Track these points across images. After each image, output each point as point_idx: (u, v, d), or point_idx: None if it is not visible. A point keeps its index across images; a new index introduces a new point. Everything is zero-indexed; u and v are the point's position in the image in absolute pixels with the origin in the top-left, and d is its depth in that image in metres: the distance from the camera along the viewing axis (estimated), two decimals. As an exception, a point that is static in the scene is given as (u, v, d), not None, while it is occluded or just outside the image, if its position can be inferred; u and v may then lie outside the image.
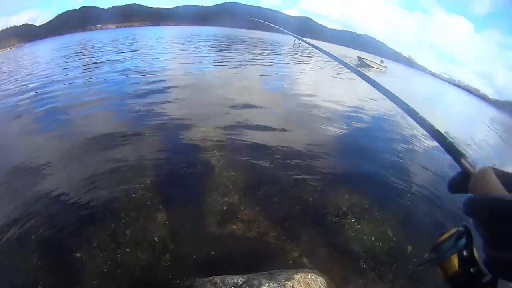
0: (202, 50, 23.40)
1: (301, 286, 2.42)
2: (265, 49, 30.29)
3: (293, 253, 3.36)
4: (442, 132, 0.62)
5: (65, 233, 3.31)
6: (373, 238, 3.84)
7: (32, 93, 9.16)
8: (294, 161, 5.40)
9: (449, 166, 6.48)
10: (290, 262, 3.23)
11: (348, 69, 1.23)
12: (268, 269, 2.80)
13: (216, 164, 4.91)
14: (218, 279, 2.51)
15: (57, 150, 5.16)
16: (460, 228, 0.54)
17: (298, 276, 2.51)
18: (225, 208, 3.90)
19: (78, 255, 3.04)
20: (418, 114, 0.70)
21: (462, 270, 0.51)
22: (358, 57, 32.86)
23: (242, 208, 3.93)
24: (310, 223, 3.88)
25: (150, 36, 40.63)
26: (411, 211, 4.69)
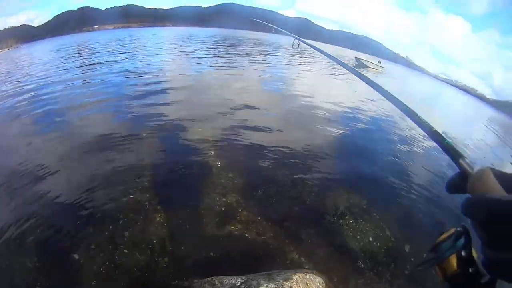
0: (200, 51, 23.40)
1: (300, 286, 2.42)
2: (263, 50, 30.31)
3: (292, 254, 3.36)
4: (440, 132, 0.62)
5: (63, 234, 3.30)
6: (371, 238, 3.84)
7: (30, 94, 9.14)
8: (292, 161, 5.40)
9: (447, 167, 6.50)
10: (288, 262, 3.23)
11: (347, 69, 1.24)
12: (266, 270, 2.80)
13: (214, 165, 4.91)
14: (216, 280, 2.51)
15: (55, 151, 5.14)
16: (458, 229, 0.55)
17: (297, 276, 2.51)
18: (223, 209, 3.90)
19: (76, 256, 3.03)
20: (416, 114, 0.70)
21: (460, 270, 0.52)
22: (355, 57, 32.94)
23: (240, 209, 3.93)
24: (309, 223, 3.88)
25: (148, 37, 40.63)
26: (409, 211, 4.70)
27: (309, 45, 2.10)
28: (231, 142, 5.84)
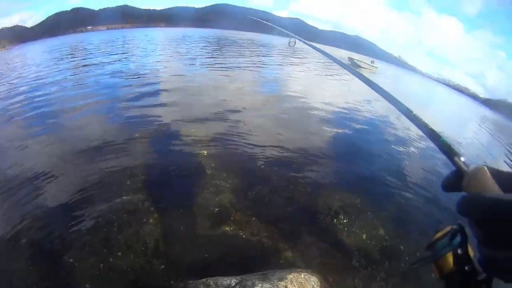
0: (194, 52, 23.32)
1: (294, 286, 2.42)
2: (256, 51, 30.28)
3: (286, 253, 3.36)
4: (436, 130, 0.62)
5: (57, 237, 3.28)
6: (365, 237, 3.87)
7: (22, 97, 9.04)
8: (286, 161, 5.42)
9: (442, 166, 6.55)
10: (283, 262, 3.24)
11: (343, 67, 1.23)
12: (261, 270, 2.80)
13: (207, 165, 4.91)
14: (211, 280, 2.50)
15: (48, 154, 5.10)
16: (454, 226, 0.55)
17: (291, 276, 2.52)
18: (217, 209, 3.90)
19: (70, 260, 3.01)
20: (411, 112, 0.69)
21: (457, 268, 0.52)
22: (348, 57, 33.11)
23: (234, 209, 3.93)
24: (303, 223, 3.90)
25: (141, 37, 40.41)
26: (404, 210, 4.73)
27: (306, 43, 2.10)
28: (225, 143, 5.84)
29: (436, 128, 0.62)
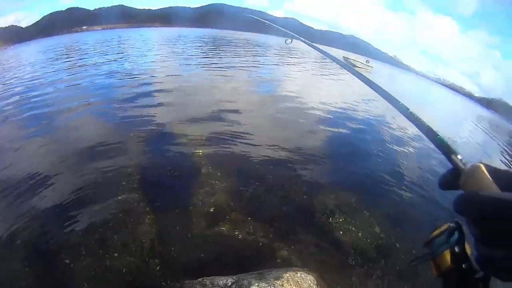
0: (189, 52, 23.27)
1: (291, 285, 2.43)
2: (252, 51, 30.30)
3: (282, 252, 3.37)
4: (433, 128, 0.61)
5: (52, 238, 3.26)
6: (361, 235, 3.88)
7: (18, 97, 8.97)
8: (282, 161, 5.42)
9: (439, 165, 6.59)
10: (279, 261, 3.24)
11: (343, 67, 1.24)
12: (257, 269, 2.80)
13: (203, 166, 4.90)
14: (207, 280, 2.50)
15: (43, 155, 5.07)
16: (451, 224, 0.54)
17: (287, 275, 2.52)
18: (212, 209, 3.89)
19: (66, 260, 2.99)
20: (408, 110, 0.69)
21: (454, 266, 0.52)
22: (343, 57, 33.23)
23: (229, 209, 3.93)
24: (299, 222, 3.91)
25: (136, 38, 40.29)
26: (400, 208, 4.75)
27: (303, 41, 2.11)
28: (220, 142, 5.83)
29: (431, 127, 0.62)
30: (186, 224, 3.59)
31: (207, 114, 7.40)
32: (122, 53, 21.07)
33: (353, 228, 3.97)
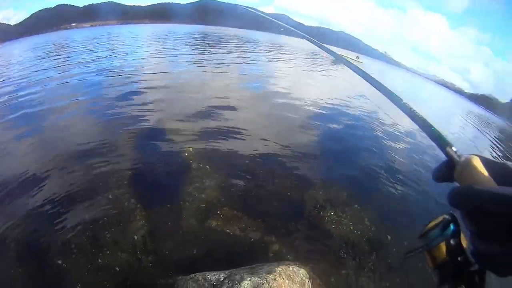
0: (179, 49, 23.11)
1: (283, 278, 2.44)
2: (242, 47, 30.18)
3: (274, 247, 3.39)
4: (427, 119, 0.60)
5: (43, 239, 3.22)
6: (353, 229, 3.91)
7: (6, 97, 8.82)
8: (272, 157, 5.43)
9: (433, 161, 6.67)
10: (271, 255, 3.26)
11: (334, 57, 1.23)
12: (249, 264, 2.81)
13: (194, 162, 4.88)
14: (199, 276, 2.50)
15: (32, 155, 5.00)
16: (446, 216, 0.53)
17: (279, 269, 2.53)
18: (203, 205, 3.89)
19: (58, 260, 2.97)
20: (402, 101, 0.68)
21: (450, 258, 0.51)
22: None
23: (220, 205, 3.94)
24: (290, 216, 3.93)
25: (126, 34, 39.90)
26: (391, 202, 4.80)
27: (296, 31, 2.10)
28: (211, 139, 5.81)
29: (425, 118, 0.61)
30: (178, 220, 3.58)
31: (198, 111, 7.36)
32: (111, 50, 20.84)
33: (345, 222, 4.00)
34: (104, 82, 10.29)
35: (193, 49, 23.68)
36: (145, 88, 9.39)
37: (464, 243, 0.51)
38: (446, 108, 27.65)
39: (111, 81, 10.33)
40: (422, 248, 0.55)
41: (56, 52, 21.69)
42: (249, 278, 2.33)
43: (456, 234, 0.51)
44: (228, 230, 3.52)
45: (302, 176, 4.93)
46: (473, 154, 0.47)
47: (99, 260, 3.00)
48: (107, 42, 27.22)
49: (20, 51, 26.52)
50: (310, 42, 1.58)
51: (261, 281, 2.31)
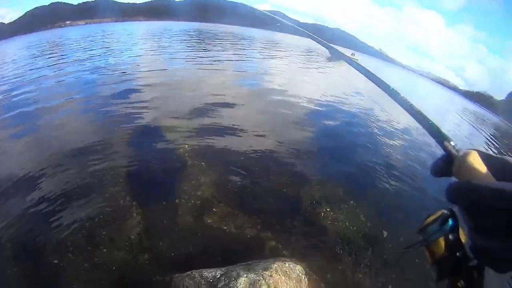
0: (175, 46, 22.98)
1: (279, 275, 2.44)
2: (237, 44, 30.06)
3: (270, 243, 3.39)
4: (425, 113, 0.60)
5: (39, 238, 3.20)
6: (349, 225, 3.93)
7: (0, 97, 8.73)
8: (268, 153, 5.43)
9: (427, 155, 6.70)
10: (268, 252, 3.26)
11: (325, 46, 1.24)
12: (245, 260, 2.82)
13: (189, 159, 4.87)
14: (196, 273, 2.50)
15: (27, 154, 4.96)
16: (445, 211, 0.53)
17: (276, 265, 2.54)
18: (199, 202, 3.89)
19: (55, 258, 2.96)
20: (399, 95, 0.67)
21: (448, 253, 0.51)
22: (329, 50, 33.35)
23: (216, 202, 3.93)
24: (285, 213, 3.94)
25: (120, 32, 39.56)
26: (387, 198, 4.83)
27: (292, 25, 2.11)
28: (207, 136, 5.79)
29: (423, 113, 0.61)
30: (173, 218, 3.58)
31: (193, 108, 7.33)
32: (106, 48, 20.67)
33: (341, 218, 4.01)
34: (99, 80, 10.22)
35: (188, 46, 23.53)
36: (140, 85, 9.32)
37: (463, 238, 0.51)
38: (441, 105, 27.76)
39: (106, 79, 10.26)
40: (421, 243, 0.55)
41: (50, 50, 21.49)
42: (245, 275, 2.34)
43: (454, 229, 0.51)
44: (224, 227, 3.53)
45: (297, 173, 4.93)
46: (472, 149, 0.47)
47: (95, 258, 3.00)
48: (101, 40, 26.99)
49: (14, 49, 26.24)
50: (313, 39, 1.58)
51: (258, 278, 2.32)
